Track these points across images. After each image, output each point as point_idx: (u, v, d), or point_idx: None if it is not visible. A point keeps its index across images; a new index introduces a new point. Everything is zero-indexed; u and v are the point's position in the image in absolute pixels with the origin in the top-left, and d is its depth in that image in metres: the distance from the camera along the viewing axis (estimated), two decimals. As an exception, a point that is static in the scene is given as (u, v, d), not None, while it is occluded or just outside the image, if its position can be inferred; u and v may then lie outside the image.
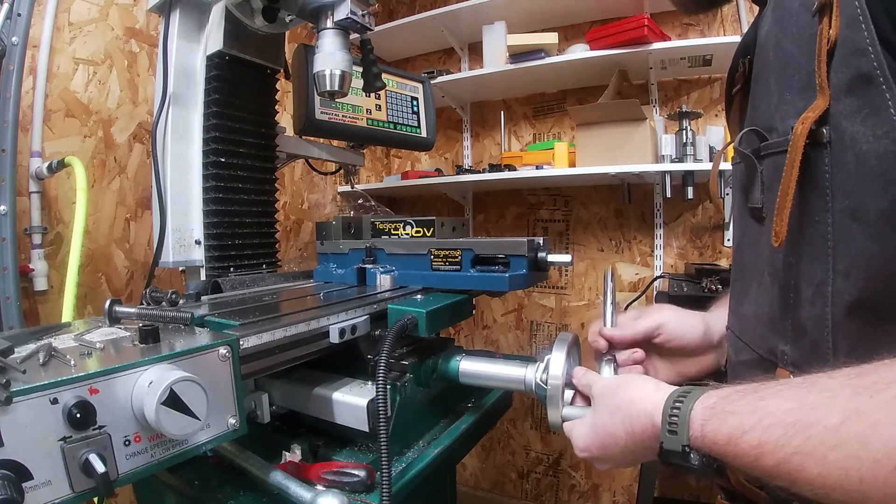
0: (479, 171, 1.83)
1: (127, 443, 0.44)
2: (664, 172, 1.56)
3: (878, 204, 0.38)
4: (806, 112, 0.41)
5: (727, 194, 1.43)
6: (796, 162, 0.41)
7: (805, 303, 0.45)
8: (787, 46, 0.45)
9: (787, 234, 0.44)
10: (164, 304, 0.66)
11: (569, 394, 0.61)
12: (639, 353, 0.67)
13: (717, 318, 0.68)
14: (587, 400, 0.58)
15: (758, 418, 0.36)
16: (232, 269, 0.95)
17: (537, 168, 1.71)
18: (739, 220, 0.59)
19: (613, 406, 0.49)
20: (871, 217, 0.38)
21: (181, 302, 0.70)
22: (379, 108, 1.20)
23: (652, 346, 0.69)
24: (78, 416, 0.40)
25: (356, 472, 0.59)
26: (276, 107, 1.03)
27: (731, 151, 0.59)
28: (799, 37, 0.44)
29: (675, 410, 0.42)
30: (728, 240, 1.64)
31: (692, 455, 0.41)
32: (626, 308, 1.77)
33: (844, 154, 0.40)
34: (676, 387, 0.46)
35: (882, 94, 0.37)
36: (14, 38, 0.94)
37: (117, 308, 0.61)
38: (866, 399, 0.31)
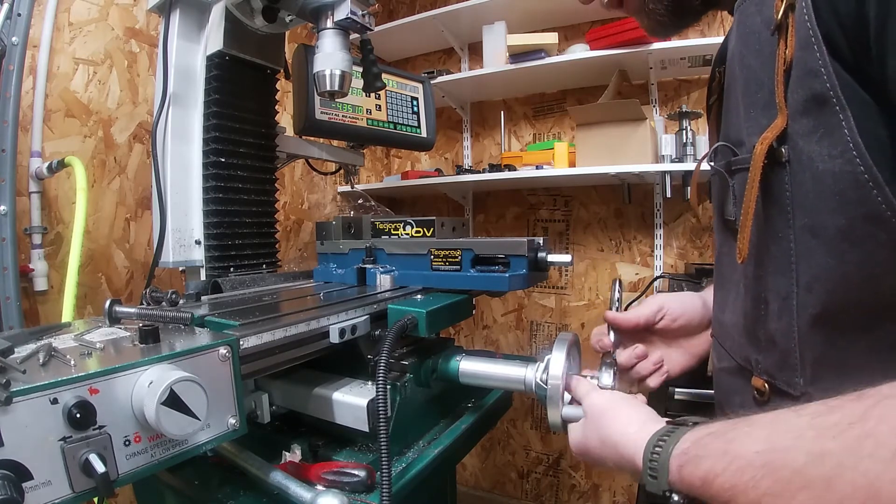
0: (479, 171, 1.83)
1: (127, 443, 0.44)
2: (664, 172, 1.56)
3: (835, 221, 0.39)
4: (766, 132, 0.41)
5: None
6: (756, 181, 0.42)
7: (773, 315, 0.46)
8: (751, 63, 0.45)
9: (755, 249, 0.45)
10: (164, 304, 0.66)
11: (569, 394, 0.61)
12: (639, 348, 0.68)
13: (710, 293, 0.68)
14: None
15: (728, 461, 0.37)
16: (232, 269, 0.95)
17: (537, 168, 1.70)
18: (718, 231, 0.60)
19: (599, 439, 0.51)
20: (829, 234, 0.39)
21: (181, 302, 0.70)
22: (379, 108, 1.20)
23: (659, 335, 0.69)
24: (78, 416, 0.40)
25: (356, 472, 0.59)
26: (276, 107, 1.03)
27: None
28: (761, 54, 0.44)
29: (654, 456, 0.43)
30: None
31: (673, 496, 0.41)
32: (626, 308, 1.77)
33: (803, 173, 0.40)
34: (662, 425, 0.47)
35: (836, 114, 0.37)
36: (14, 38, 0.94)
37: (117, 308, 0.61)
38: (830, 440, 0.31)
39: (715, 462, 0.38)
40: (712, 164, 0.56)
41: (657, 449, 0.43)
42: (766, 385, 0.48)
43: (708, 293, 0.69)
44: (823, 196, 0.39)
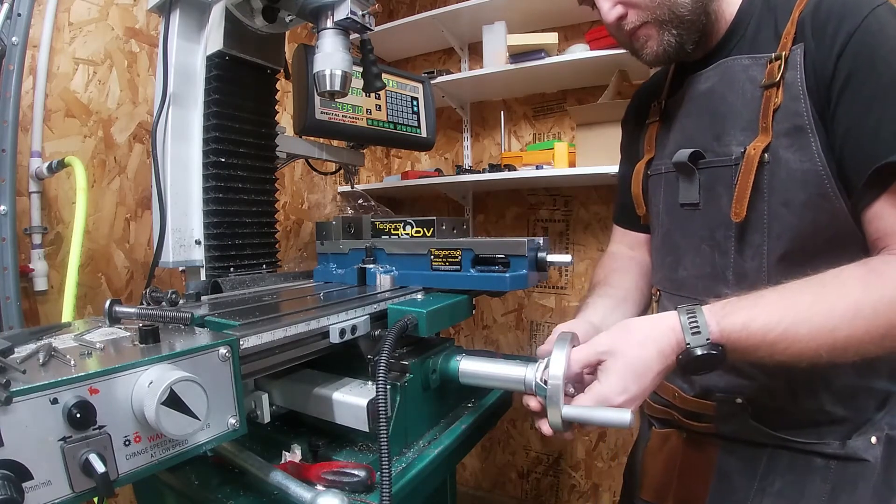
0: (479, 171, 1.83)
1: (127, 443, 0.44)
2: (664, 172, 1.55)
3: (800, 197, 0.62)
4: (754, 143, 0.64)
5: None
6: (752, 171, 0.64)
7: (747, 258, 0.67)
8: (732, 101, 0.68)
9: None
10: (164, 304, 0.66)
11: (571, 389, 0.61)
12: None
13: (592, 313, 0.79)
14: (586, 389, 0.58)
15: (759, 310, 0.55)
16: (232, 269, 0.95)
17: (537, 168, 1.70)
18: (670, 213, 0.79)
19: (638, 339, 0.57)
20: (795, 204, 0.63)
21: (181, 302, 0.70)
22: (379, 108, 1.20)
23: None
24: (78, 416, 0.40)
25: (356, 472, 0.58)
26: (276, 107, 1.03)
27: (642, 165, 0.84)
28: (743, 97, 0.67)
29: (691, 318, 0.56)
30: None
31: (712, 347, 0.54)
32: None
33: (780, 170, 0.63)
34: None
35: (808, 137, 0.61)
36: (14, 38, 0.94)
37: (117, 308, 0.61)
38: (819, 288, 0.55)
39: (748, 312, 0.55)
40: (678, 161, 0.72)
41: (690, 314, 0.56)
42: None
43: (590, 314, 0.78)
44: (794, 182, 0.62)
